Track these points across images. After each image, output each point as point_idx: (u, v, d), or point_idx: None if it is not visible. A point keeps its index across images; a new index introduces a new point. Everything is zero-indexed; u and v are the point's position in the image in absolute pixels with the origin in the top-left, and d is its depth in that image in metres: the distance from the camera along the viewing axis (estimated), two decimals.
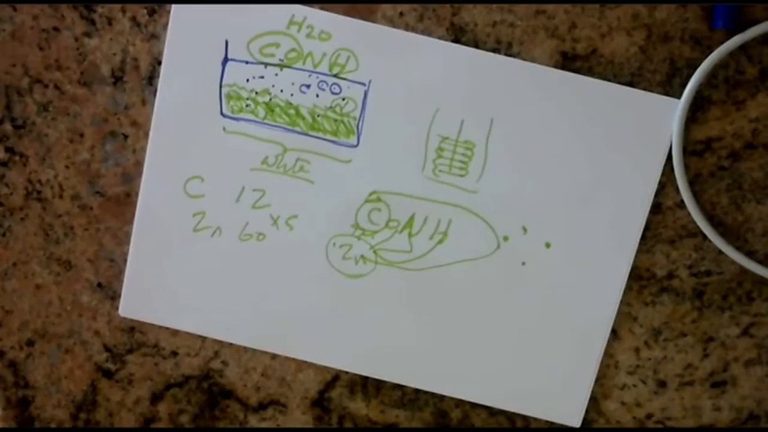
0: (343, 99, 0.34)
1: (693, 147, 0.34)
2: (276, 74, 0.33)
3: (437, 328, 0.35)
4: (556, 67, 0.33)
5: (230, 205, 0.35)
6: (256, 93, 0.34)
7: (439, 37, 0.33)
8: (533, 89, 0.33)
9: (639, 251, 0.34)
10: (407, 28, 0.33)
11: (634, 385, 0.36)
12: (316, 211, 0.35)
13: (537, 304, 0.35)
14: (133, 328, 0.37)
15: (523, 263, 0.35)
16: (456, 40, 0.33)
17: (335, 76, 0.33)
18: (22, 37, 0.34)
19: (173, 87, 0.34)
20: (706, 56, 0.32)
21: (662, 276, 0.35)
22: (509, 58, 0.33)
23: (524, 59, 0.33)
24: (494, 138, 0.34)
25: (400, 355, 0.36)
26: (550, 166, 0.34)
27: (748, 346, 0.36)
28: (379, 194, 0.34)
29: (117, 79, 0.34)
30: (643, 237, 0.34)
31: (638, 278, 0.35)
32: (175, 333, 0.36)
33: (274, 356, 0.37)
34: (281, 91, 0.34)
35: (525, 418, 0.37)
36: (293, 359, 0.37)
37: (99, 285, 0.36)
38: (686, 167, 0.34)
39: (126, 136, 0.35)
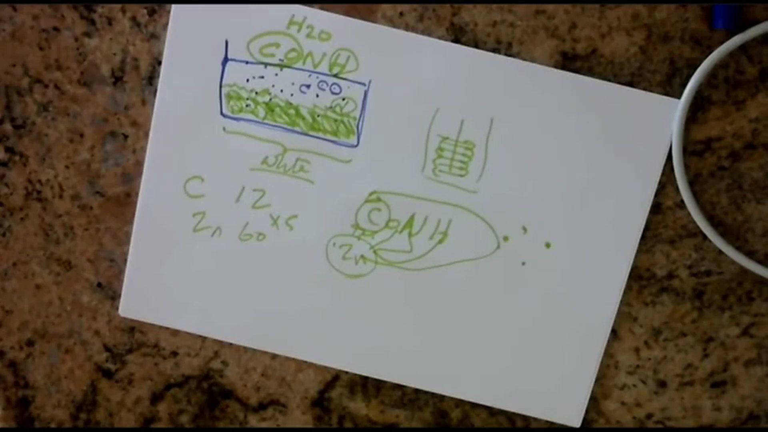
0: (343, 99, 0.34)
1: (693, 147, 0.34)
2: (276, 74, 0.33)
3: (437, 328, 0.35)
4: (556, 67, 0.33)
5: (230, 205, 0.35)
6: (256, 93, 0.34)
7: (439, 37, 0.33)
8: (533, 89, 0.33)
9: (639, 251, 0.34)
10: (407, 28, 0.33)
11: (634, 385, 0.36)
12: (316, 211, 0.35)
13: (537, 304, 0.35)
14: (133, 328, 0.37)
15: (523, 263, 0.35)
16: (456, 40, 0.33)
17: (335, 76, 0.33)
18: (22, 37, 0.34)
19: (173, 87, 0.34)
20: (706, 56, 0.32)
21: (662, 276, 0.35)
22: (509, 58, 0.33)
23: (524, 59, 0.33)
24: (494, 138, 0.34)
25: (400, 355, 0.36)
26: (550, 166, 0.34)
27: (748, 346, 0.36)
28: (379, 194, 0.34)
29: (117, 79, 0.34)
30: (643, 237, 0.34)
31: (638, 278, 0.35)
32: (175, 333, 0.36)
33: (274, 356, 0.37)
34: (281, 91, 0.34)
35: (525, 418, 0.37)
36: (293, 359, 0.36)
37: (99, 285, 0.36)
38: (686, 167, 0.34)
39: (126, 136, 0.35)
